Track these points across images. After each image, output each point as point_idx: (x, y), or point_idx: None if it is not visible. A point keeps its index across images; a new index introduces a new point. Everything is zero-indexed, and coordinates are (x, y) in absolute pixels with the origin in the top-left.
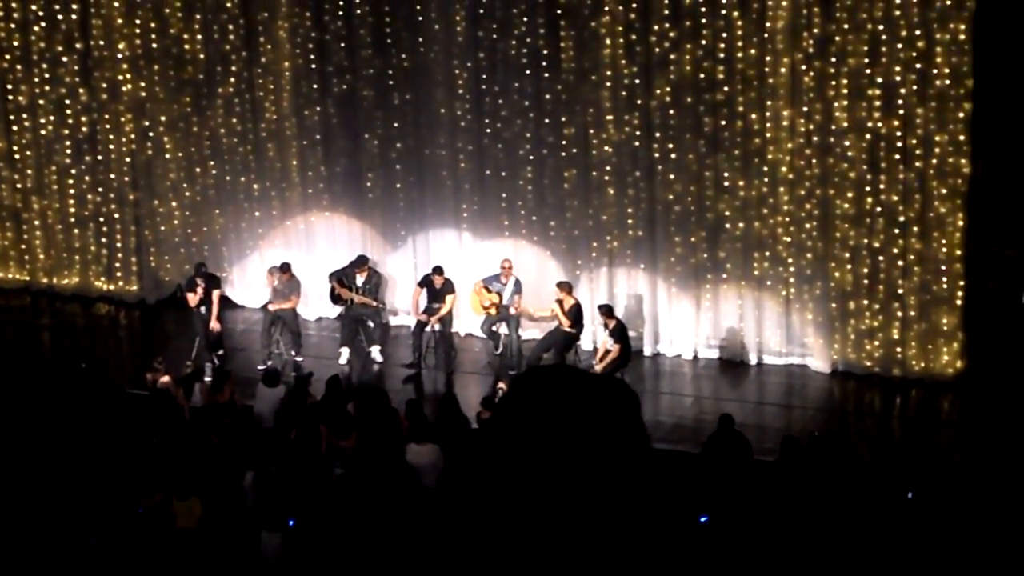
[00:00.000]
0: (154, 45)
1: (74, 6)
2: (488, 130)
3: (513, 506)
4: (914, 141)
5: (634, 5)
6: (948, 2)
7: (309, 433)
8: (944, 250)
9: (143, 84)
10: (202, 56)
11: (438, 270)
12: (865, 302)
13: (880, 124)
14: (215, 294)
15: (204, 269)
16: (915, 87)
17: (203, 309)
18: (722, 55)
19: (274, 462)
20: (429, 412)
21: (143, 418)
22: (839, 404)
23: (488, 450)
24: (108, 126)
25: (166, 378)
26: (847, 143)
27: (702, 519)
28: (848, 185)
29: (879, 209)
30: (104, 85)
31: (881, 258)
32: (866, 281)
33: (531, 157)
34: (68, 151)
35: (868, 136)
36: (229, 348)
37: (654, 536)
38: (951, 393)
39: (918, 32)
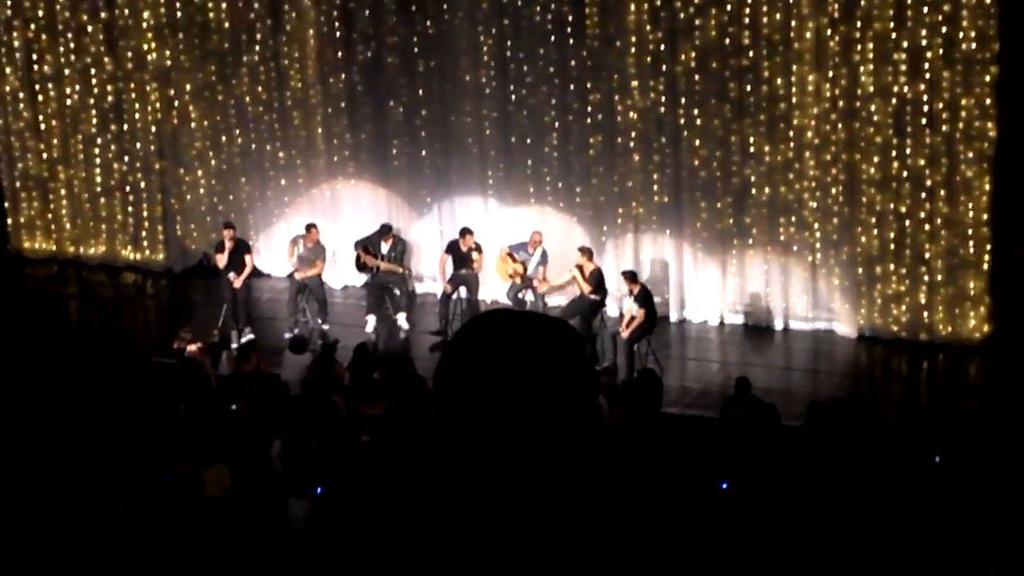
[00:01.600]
0: (178, 14)
1: None
2: (513, 97)
3: (467, 451)
4: (940, 105)
5: None
6: None
7: (330, 403)
8: (971, 214)
9: (168, 53)
10: (227, 24)
11: (465, 231)
12: (892, 267)
13: (906, 88)
14: (247, 258)
15: (232, 227)
16: (941, 51)
17: (232, 274)
18: (747, 20)
19: (301, 430)
20: None
21: (171, 387)
22: (866, 369)
23: (437, 399)
24: (134, 95)
25: (194, 347)
26: (873, 107)
27: (723, 485)
28: (874, 150)
29: (905, 173)
30: (129, 54)
31: (908, 222)
32: (893, 246)
33: (556, 124)
34: (94, 120)
35: (894, 100)
36: (256, 316)
37: (606, 481)
38: (978, 357)
39: None
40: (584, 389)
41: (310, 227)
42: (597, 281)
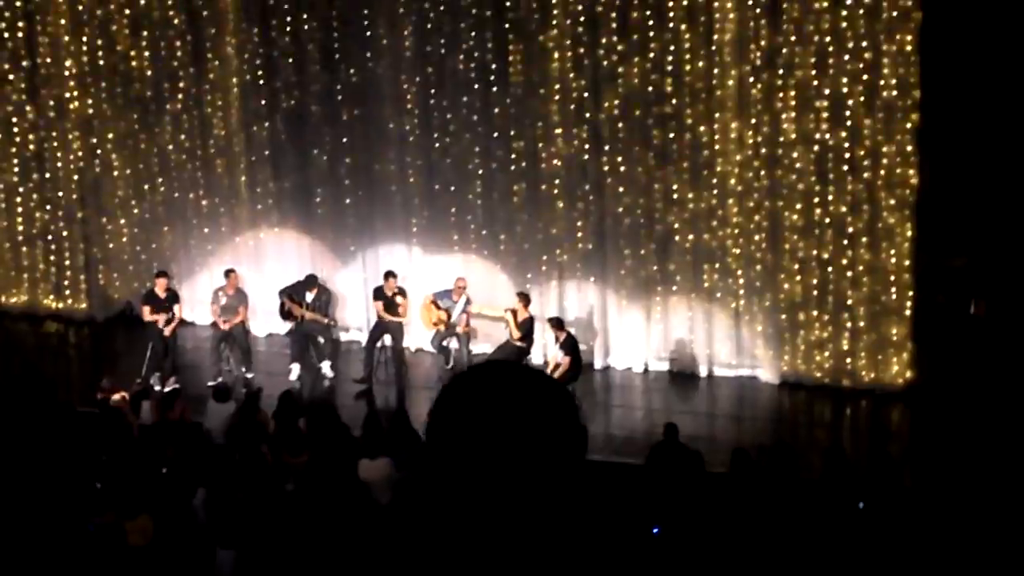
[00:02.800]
0: (101, 62)
1: (20, 24)
2: (437, 145)
3: (459, 504)
4: (862, 152)
5: (582, 19)
6: (894, 13)
7: (255, 451)
8: (893, 261)
9: (90, 101)
10: (149, 73)
11: (389, 274)
12: (815, 313)
13: (828, 135)
14: (177, 308)
15: (166, 276)
16: (862, 98)
17: (160, 319)
18: (670, 68)
19: (225, 479)
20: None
21: (94, 436)
22: (790, 415)
23: (429, 451)
24: (56, 144)
25: (118, 395)
26: (795, 155)
27: (655, 530)
28: (797, 196)
29: (828, 220)
30: (51, 103)
31: (830, 269)
32: (815, 292)
33: (480, 171)
34: (16, 169)
35: (816, 148)
36: (180, 365)
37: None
38: (901, 403)
39: (865, 43)
40: (578, 447)
41: (229, 272)
42: (527, 329)
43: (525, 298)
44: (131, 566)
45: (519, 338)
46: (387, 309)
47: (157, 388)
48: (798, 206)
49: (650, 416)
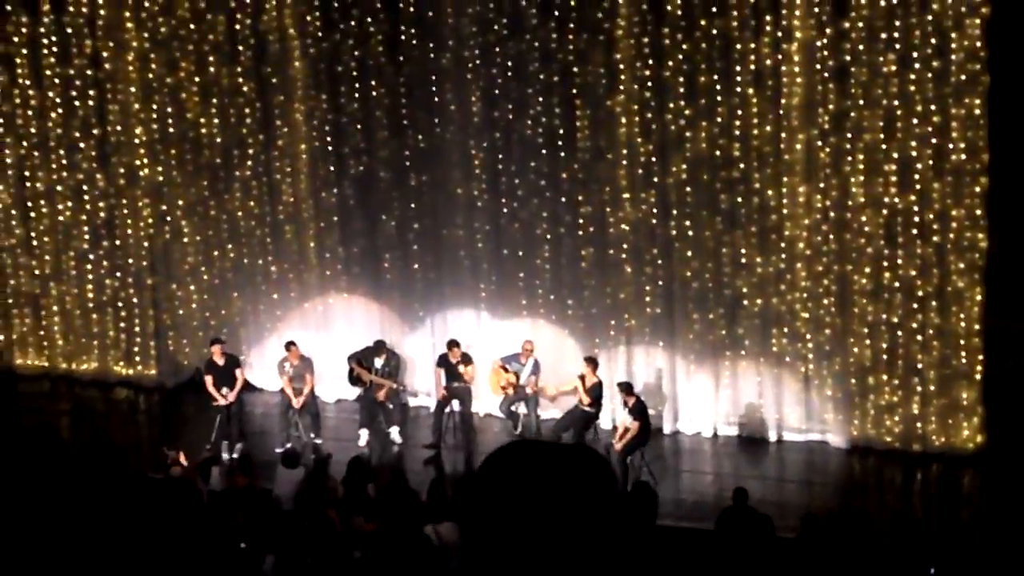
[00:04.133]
0: (171, 129)
1: (91, 92)
2: (505, 210)
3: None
4: (931, 215)
5: (649, 84)
6: (963, 77)
7: (323, 517)
8: (962, 324)
9: (160, 168)
10: (219, 140)
11: (452, 343)
12: (884, 377)
13: (896, 199)
14: (238, 372)
15: (220, 342)
16: (931, 162)
17: (224, 389)
18: (737, 132)
19: (294, 545)
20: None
21: (163, 504)
22: (860, 480)
23: (468, 530)
24: (126, 211)
25: (181, 461)
26: (864, 218)
27: None
28: (865, 260)
29: (897, 284)
30: (121, 170)
31: (900, 333)
32: (885, 356)
33: (548, 236)
34: (86, 236)
35: (885, 211)
36: (248, 431)
37: None
38: (972, 468)
39: (933, 107)
40: (610, 517)
41: (290, 345)
42: (596, 394)
43: (593, 362)
44: None
45: (589, 403)
46: (450, 377)
47: (226, 456)
48: (867, 270)
49: (719, 481)
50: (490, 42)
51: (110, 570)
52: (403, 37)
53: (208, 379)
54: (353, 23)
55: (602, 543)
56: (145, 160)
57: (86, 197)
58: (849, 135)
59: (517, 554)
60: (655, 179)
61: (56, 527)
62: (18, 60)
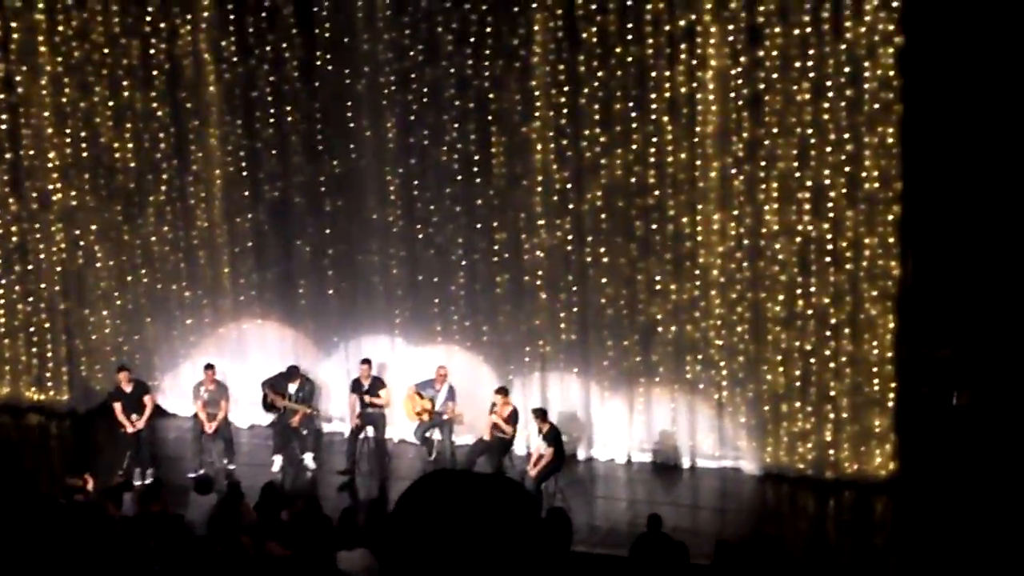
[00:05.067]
0: (84, 154)
1: (3, 116)
2: (420, 236)
3: None
4: (844, 243)
5: (565, 110)
6: (876, 106)
7: (236, 542)
8: (875, 352)
9: (73, 193)
10: (133, 164)
11: (364, 361)
12: (797, 404)
13: (810, 227)
14: (147, 399)
15: (127, 370)
16: (844, 190)
17: (133, 416)
18: (652, 159)
19: (207, 570)
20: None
21: (74, 530)
22: (773, 507)
23: (384, 560)
24: (38, 235)
25: (86, 490)
26: (778, 246)
27: None
28: (779, 288)
29: (810, 312)
30: (34, 194)
31: (813, 360)
32: (798, 383)
33: (463, 262)
34: None
35: (798, 239)
36: (161, 456)
37: None
38: (884, 495)
39: (847, 135)
40: (530, 547)
41: (207, 368)
42: (515, 421)
43: (504, 391)
44: None
45: (513, 433)
46: (363, 403)
47: (138, 481)
48: (781, 297)
49: (633, 507)
50: (405, 68)
51: None
52: (318, 62)
53: (117, 406)
54: (268, 48)
55: (520, 571)
56: (58, 184)
57: None
58: (763, 163)
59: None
60: (570, 206)
61: None
62: None
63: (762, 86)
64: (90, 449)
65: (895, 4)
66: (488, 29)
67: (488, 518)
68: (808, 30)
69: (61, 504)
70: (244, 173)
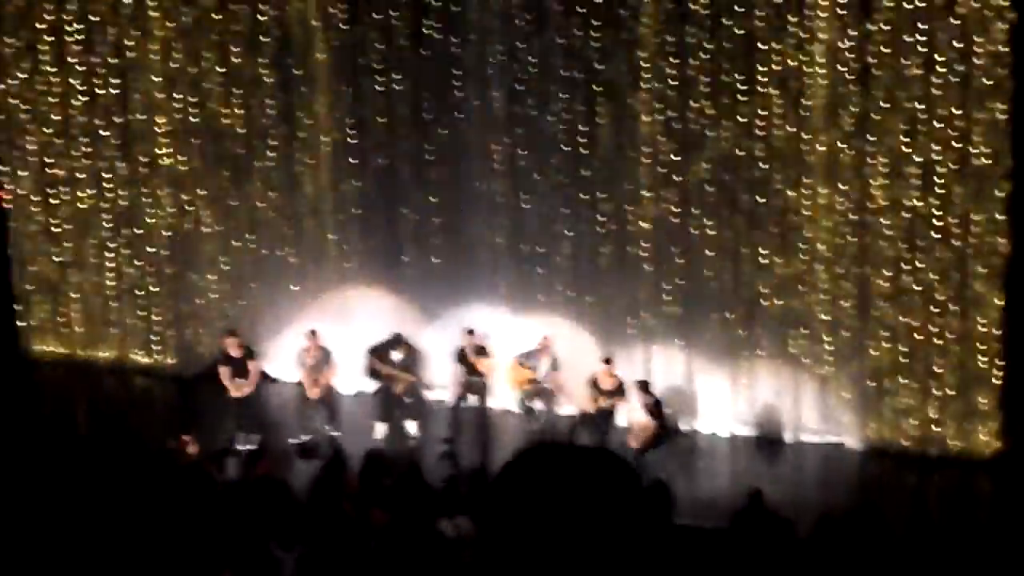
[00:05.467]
0: (193, 119)
1: (114, 80)
2: (525, 206)
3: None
4: (952, 219)
5: (672, 82)
6: (987, 82)
7: (339, 509)
8: (982, 329)
9: (182, 158)
10: (241, 130)
11: (469, 331)
12: (903, 380)
13: (918, 202)
14: (252, 365)
15: (235, 334)
16: (953, 166)
17: (237, 380)
18: (760, 132)
19: (311, 537)
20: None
21: (179, 492)
22: (875, 482)
23: (487, 528)
24: (147, 199)
25: (190, 451)
26: (885, 221)
27: None
28: (886, 263)
29: (917, 287)
30: (143, 159)
31: (919, 336)
32: (904, 359)
33: (568, 233)
34: (106, 224)
35: (906, 214)
36: (265, 422)
37: None
38: (989, 473)
39: (957, 111)
40: (632, 523)
41: (312, 333)
42: (621, 393)
43: (609, 361)
44: None
45: (610, 404)
46: (467, 372)
47: (241, 446)
48: (887, 272)
49: (735, 481)
50: (513, 37)
51: (127, 557)
52: (426, 31)
53: (224, 371)
54: (377, 15)
55: (621, 545)
56: (167, 149)
57: (107, 184)
58: (871, 137)
59: (536, 554)
60: (676, 177)
61: (72, 514)
62: (41, 47)
63: (872, 60)
64: (195, 413)
65: None
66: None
67: (590, 490)
68: (920, 4)
69: (166, 465)
70: (351, 140)
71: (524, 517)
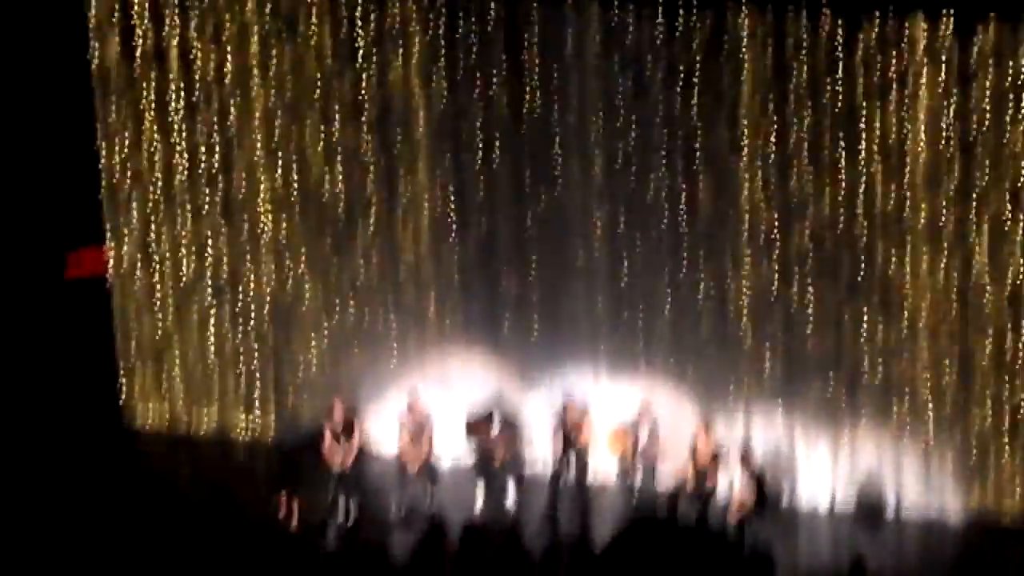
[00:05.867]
0: (294, 187)
1: (217, 148)
2: (626, 274)
3: None
4: None
5: (773, 150)
6: None
7: None
8: None
9: (284, 225)
10: (342, 197)
11: (568, 400)
12: (1007, 451)
13: (1021, 270)
14: (356, 432)
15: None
16: None
17: (342, 447)
18: (861, 200)
19: None
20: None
21: (281, 561)
22: (979, 557)
23: None
24: (249, 267)
25: (295, 518)
26: (988, 288)
27: None
28: (988, 331)
29: (1021, 356)
30: (246, 226)
31: (1022, 407)
32: (1007, 428)
33: (669, 300)
34: (209, 291)
35: (1009, 282)
36: (365, 490)
37: None
38: None
39: None
40: None
41: (413, 395)
42: (716, 464)
43: (707, 428)
44: None
45: (709, 478)
46: (567, 440)
47: (341, 516)
48: (989, 341)
49: (836, 553)
50: (614, 107)
51: None
52: (527, 98)
53: (327, 435)
54: (478, 82)
55: None
56: (269, 216)
57: (209, 251)
58: (974, 203)
59: None
60: (777, 245)
61: None
62: (146, 114)
63: (974, 126)
64: (296, 481)
65: None
66: (697, 67)
67: (693, 567)
68: (1021, 70)
69: (269, 535)
70: (451, 208)
71: None
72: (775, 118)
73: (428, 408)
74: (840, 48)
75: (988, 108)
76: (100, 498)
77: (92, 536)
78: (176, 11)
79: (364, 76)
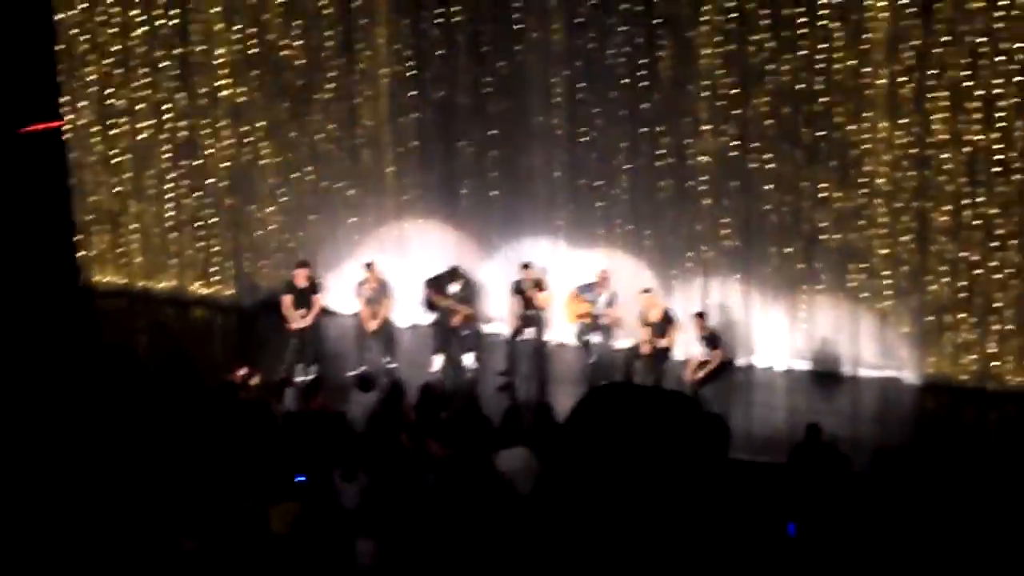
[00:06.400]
0: (253, 51)
1: (173, 11)
2: (583, 139)
3: (596, 502)
4: (1013, 154)
5: (733, 15)
6: None
7: (396, 441)
8: None
9: (242, 89)
10: (300, 62)
11: (525, 265)
12: (961, 315)
13: (979, 136)
14: (316, 298)
15: (307, 266)
16: (1015, 100)
17: (301, 311)
18: (820, 66)
19: (367, 469)
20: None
21: (238, 422)
22: (933, 417)
23: (567, 457)
24: (206, 131)
25: (251, 383)
26: (945, 155)
27: (790, 528)
28: (945, 198)
29: (976, 222)
30: (202, 90)
31: (978, 271)
32: (963, 294)
33: (626, 166)
34: (166, 155)
35: (966, 148)
36: (322, 354)
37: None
38: None
39: (1018, 44)
40: (696, 458)
41: (369, 266)
42: (668, 323)
43: (647, 290)
44: (273, 552)
45: (655, 337)
46: (524, 304)
47: (299, 378)
48: (946, 207)
49: (791, 415)
50: None
51: (185, 488)
52: None
53: (287, 299)
54: None
55: (680, 480)
56: (226, 80)
57: (167, 116)
58: (932, 71)
59: (600, 487)
60: (736, 111)
61: (132, 444)
62: None
63: None
64: (254, 344)
65: None
66: None
67: (654, 429)
68: None
69: (225, 396)
70: (410, 73)
71: (591, 454)
72: None
73: (385, 274)
74: None
75: None
76: (55, 356)
77: (43, 395)
78: None
79: None
